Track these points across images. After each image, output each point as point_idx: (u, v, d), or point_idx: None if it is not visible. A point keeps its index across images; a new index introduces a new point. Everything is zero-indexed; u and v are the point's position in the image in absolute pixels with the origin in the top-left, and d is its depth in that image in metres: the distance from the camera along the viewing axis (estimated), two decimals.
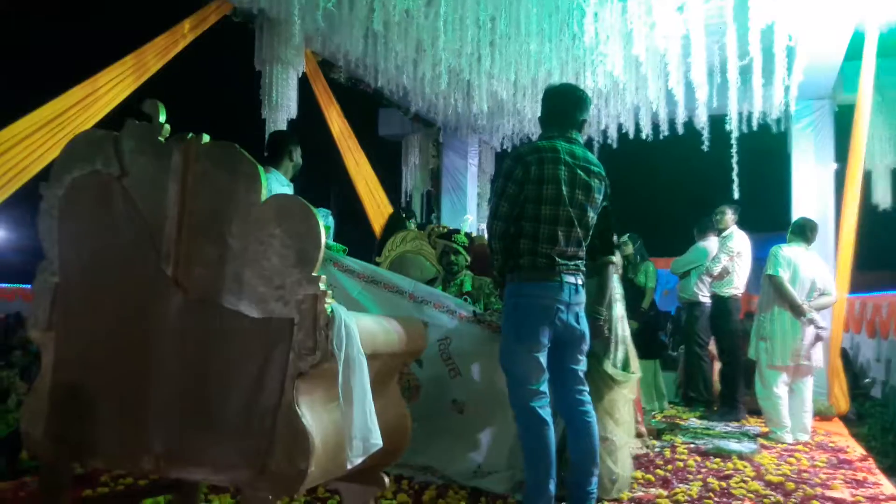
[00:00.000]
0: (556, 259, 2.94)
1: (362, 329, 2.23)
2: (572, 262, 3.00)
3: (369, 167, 8.10)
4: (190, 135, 2.29)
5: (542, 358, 2.94)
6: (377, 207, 8.12)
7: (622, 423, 3.48)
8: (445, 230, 4.91)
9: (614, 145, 7.89)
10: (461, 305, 3.80)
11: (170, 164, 2.29)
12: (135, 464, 2.24)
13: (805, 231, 5.46)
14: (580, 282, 3.04)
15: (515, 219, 2.97)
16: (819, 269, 5.38)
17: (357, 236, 7.11)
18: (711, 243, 6.65)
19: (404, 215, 6.06)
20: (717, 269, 6.26)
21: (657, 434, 5.22)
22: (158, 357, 2.23)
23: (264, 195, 2.19)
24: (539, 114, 3.22)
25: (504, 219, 2.98)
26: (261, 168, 2.20)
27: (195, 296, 2.22)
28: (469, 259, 4.52)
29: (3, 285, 19.00)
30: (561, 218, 2.96)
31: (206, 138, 2.29)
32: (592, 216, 3.08)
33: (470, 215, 8.01)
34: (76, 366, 2.36)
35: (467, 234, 4.80)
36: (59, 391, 2.36)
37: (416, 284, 3.90)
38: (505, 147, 9.26)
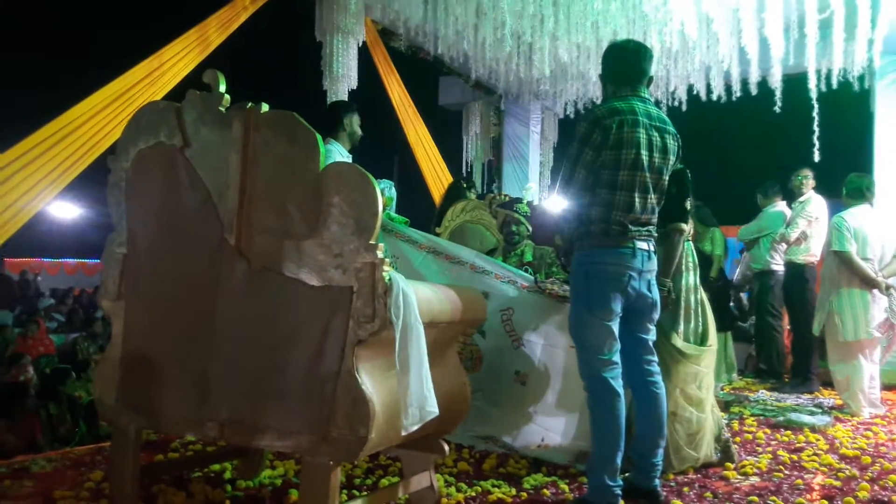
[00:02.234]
0: (629, 226, 2.86)
1: (420, 297, 2.23)
2: (645, 228, 2.92)
3: (429, 137, 8.09)
4: (249, 104, 2.32)
5: (615, 327, 2.89)
6: (437, 177, 8.12)
7: (695, 399, 3.36)
8: (506, 199, 4.86)
9: (683, 107, 7.65)
10: (522, 276, 3.76)
11: (231, 134, 2.32)
12: (199, 430, 2.32)
13: (862, 189, 5.12)
14: (652, 248, 2.96)
15: (591, 186, 2.90)
16: (887, 229, 5.07)
17: (418, 206, 7.15)
18: (780, 208, 6.38)
19: (465, 185, 6.03)
20: (793, 235, 6.00)
21: (725, 406, 5.09)
22: (222, 325, 2.29)
23: (323, 163, 2.21)
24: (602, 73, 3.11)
25: (580, 187, 2.90)
26: (319, 136, 2.21)
27: (257, 265, 2.26)
28: (530, 229, 4.47)
29: (85, 260, 19.95)
30: (638, 184, 2.87)
31: (265, 107, 2.31)
32: (667, 180, 2.98)
33: (532, 184, 7.93)
34: (144, 334, 2.44)
35: (529, 203, 4.74)
36: (129, 359, 2.45)
37: (477, 254, 3.88)
38: (568, 113, 9.07)
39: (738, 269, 7.82)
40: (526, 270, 4.05)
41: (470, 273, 3.74)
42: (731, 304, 7.57)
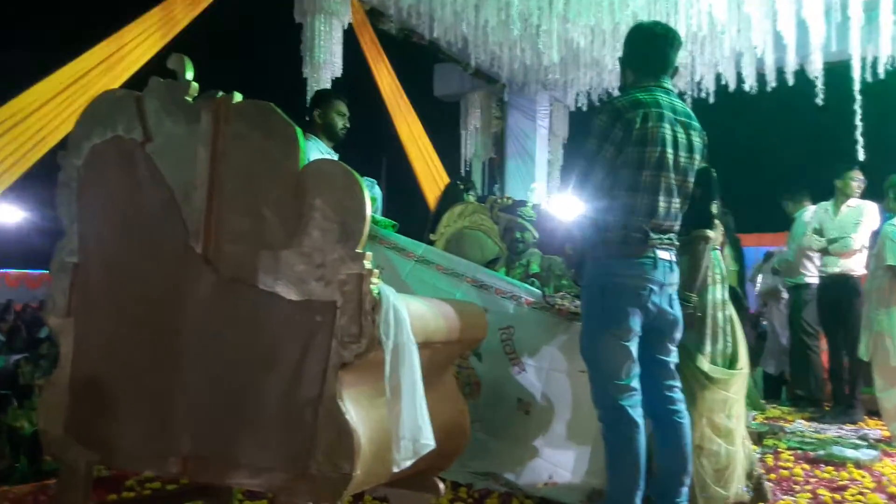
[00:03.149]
0: (650, 233, 2.86)
1: (413, 314, 2.23)
2: (667, 236, 2.93)
3: (423, 131, 8.10)
4: (220, 93, 2.33)
5: (633, 348, 2.89)
6: (432, 177, 8.13)
7: (723, 429, 3.35)
8: (510, 202, 4.86)
9: (710, 99, 7.69)
10: (527, 290, 3.76)
11: (198, 127, 2.33)
12: (159, 466, 2.31)
13: None
14: (674, 258, 2.97)
15: (609, 188, 2.90)
16: None
17: (409, 211, 7.14)
18: (812, 212, 6.38)
19: (463, 186, 6.01)
20: (857, 243, 5.92)
21: (758, 438, 5.09)
22: (187, 345, 2.29)
23: (303, 161, 2.22)
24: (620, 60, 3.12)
25: (596, 188, 2.90)
26: (299, 130, 2.22)
27: (227, 275, 2.26)
28: (537, 236, 4.47)
29: (29, 271, 19.85)
30: (662, 186, 2.88)
31: (238, 97, 2.32)
32: (692, 182, 3.00)
33: (539, 184, 7.94)
34: (97, 355, 2.43)
35: (535, 207, 4.74)
36: (79, 384, 2.44)
37: (475, 266, 3.88)
38: (580, 105, 9.12)
39: (757, 280, 7.85)
40: (531, 283, 4.05)
41: (466, 286, 3.74)
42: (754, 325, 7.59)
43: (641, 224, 2.86)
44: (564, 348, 3.51)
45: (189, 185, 2.32)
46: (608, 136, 2.86)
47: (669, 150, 2.87)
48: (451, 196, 5.76)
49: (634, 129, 2.83)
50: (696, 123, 3.01)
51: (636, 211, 2.87)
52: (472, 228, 5.03)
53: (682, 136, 2.92)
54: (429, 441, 2.19)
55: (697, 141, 2.99)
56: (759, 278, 7.94)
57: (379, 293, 2.12)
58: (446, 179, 7.88)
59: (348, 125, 4.15)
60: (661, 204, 2.89)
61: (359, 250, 2.13)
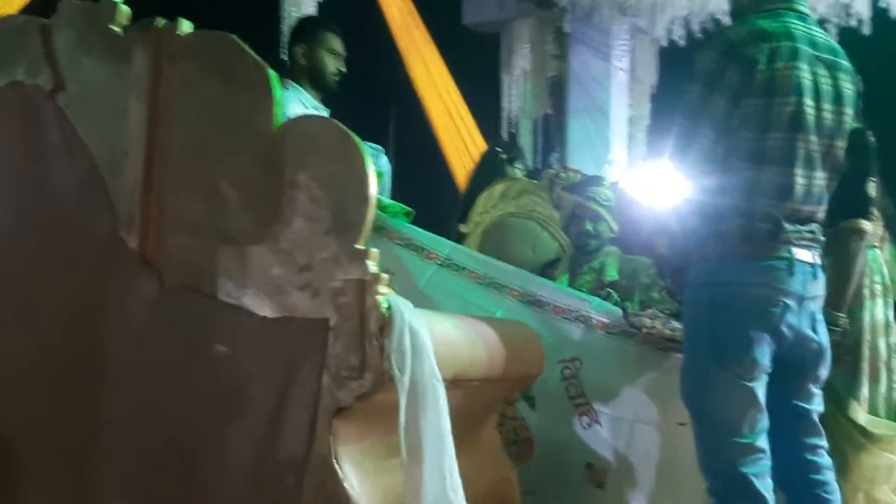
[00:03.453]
0: (784, 223, 2.87)
1: (439, 338, 2.25)
2: (807, 228, 2.93)
3: (449, 77, 8.10)
4: (161, 21, 2.34)
5: (760, 391, 2.88)
6: (461, 142, 8.13)
7: None
8: (577, 178, 4.87)
9: (864, 28, 7.66)
10: (601, 307, 3.77)
11: (130, 70, 2.35)
12: None
13: None
14: (818, 260, 2.96)
15: (722, 157, 2.93)
16: None
17: (428, 190, 7.15)
18: None
19: (505, 155, 6.04)
20: None
21: None
22: (116, 379, 2.31)
23: (279, 118, 2.23)
24: None
25: (702, 158, 2.91)
26: (273, 74, 2.24)
27: (173, 282, 2.28)
28: (616, 228, 4.48)
29: None
30: (799, 153, 2.89)
31: (186, 26, 2.33)
32: (842, 148, 3.00)
33: (618, 153, 7.90)
34: None
35: (613, 186, 4.75)
36: None
37: (524, 273, 3.89)
38: (675, 38, 9.09)
39: None
40: (607, 296, 4.06)
41: (510, 301, 3.76)
42: None
43: (771, 209, 2.86)
44: (655, 391, 3.52)
45: (118, 153, 2.35)
46: (718, 83, 2.87)
47: (809, 102, 2.87)
48: (488, 170, 5.78)
49: (757, 72, 2.84)
50: (845, 63, 3.00)
51: (762, 190, 2.87)
52: (521, 216, 5.04)
53: (826, 82, 2.92)
54: None
55: (848, 89, 2.98)
56: None
57: (389, 308, 2.12)
58: (482, 146, 7.87)
59: (343, 69, 4.16)
60: (799, 180, 2.89)
61: (360, 246, 2.14)
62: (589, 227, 4.40)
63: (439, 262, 3.87)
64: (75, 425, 2.35)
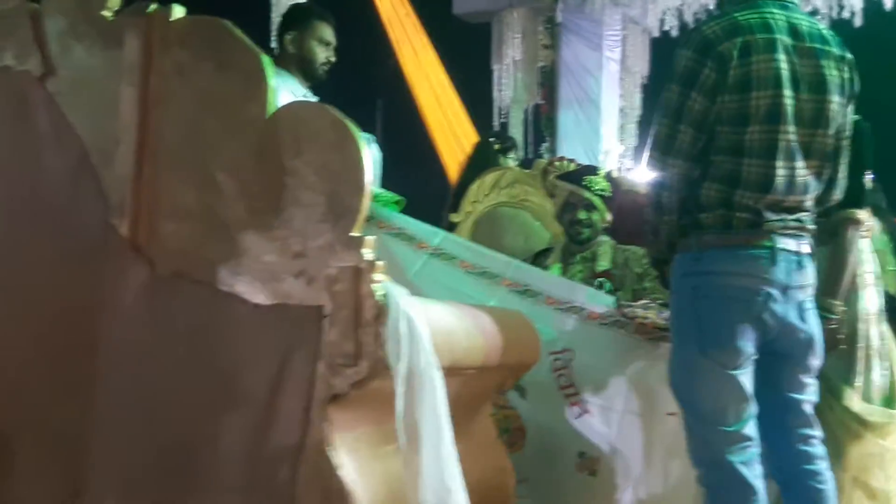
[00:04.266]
0: (764, 212, 2.87)
1: (436, 325, 2.24)
2: (793, 217, 2.93)
3: (440, 66, 8.08)
4: (153, 6, 2.34)
5: (745, 379, 2.89)
6: (452, 132, 8.14)
7: (881, 495, 3.36)
8: (571, 167, 4.87)
9: (857, 21, 7.66)
10: (594, 297, 3.77)
11: (122, 56, 2.34)
12: None
13: None
14: (806, 249, 2.96)
15: (701, 152, 2.92)
16: None
17: (419, 180, 7.14)
18: None
19: (498, 145, 6.05)
20: None
21: None
22: (108, 368, 2.30)
23: (272, 104, 2.23)
24: None
25: (683, 153, 2.92)
26: (267, 59, 2.24)
27: (166, 269, 2.28)
28: (609, 217, 4.48)
29: None
30: (779, 145, 2.88)
31: (178, 11, 2.33)
32: (832, 137, 2.99)
33: (610, 143, 7.89)
34: None
35: (607, 176, 4.75)
36: None
37: (516, 262, 3.89)
38: (666, 29, 9.10)
39: None
40: (600, 286, 4.05)
41: (502, 291, 3.75)
42: None
43: (750, 201, 2.87)
44: (646, 381, 3.54)
45: (110, 140, 2.34)
46: (695, 80, 2.88)
47: (787, 93, 2.87)
48: (480, 159, 5.79)
49: (731, 66, 2.85)
50: (834, 49, 2.99)
51: (742, 183, 2.88)
52: (513, 205, 5.04)
53: (806, 72, 2.91)
54: None
55: (835, 76, 2.97)
56: None
57: (385, 295, 2.12)
58: (473, 136, 7.88)
59: (333, 58, 4.15)
60: (780, 172, 2.88)
61: (355, 234, 2.14)
62: (583, 216, 4.39)
63: (430, 252, 3.87)
64: (68, 414, 2.34)
